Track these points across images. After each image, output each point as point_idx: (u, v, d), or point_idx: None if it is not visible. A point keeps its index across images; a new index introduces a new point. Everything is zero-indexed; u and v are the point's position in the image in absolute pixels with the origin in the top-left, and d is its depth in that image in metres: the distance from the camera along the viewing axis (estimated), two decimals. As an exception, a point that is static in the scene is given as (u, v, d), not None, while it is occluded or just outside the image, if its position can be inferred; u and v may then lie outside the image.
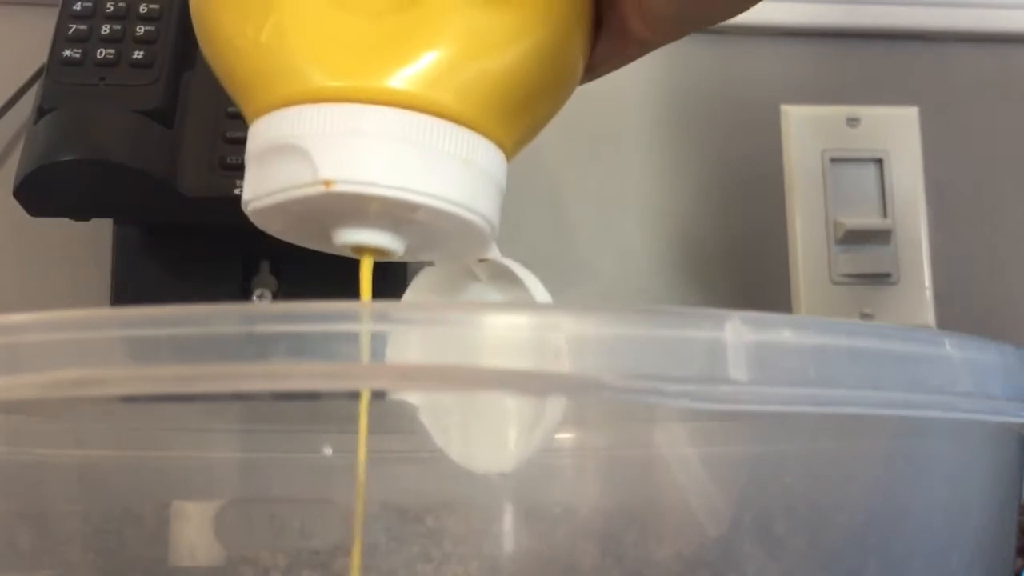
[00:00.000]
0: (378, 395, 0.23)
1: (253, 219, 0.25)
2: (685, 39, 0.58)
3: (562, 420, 0.23)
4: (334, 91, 0.23)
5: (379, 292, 0.45)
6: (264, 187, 0.24)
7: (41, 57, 0.42)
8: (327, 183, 0.23)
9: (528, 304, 0.25)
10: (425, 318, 0.18)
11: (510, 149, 0.25)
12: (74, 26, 0.40)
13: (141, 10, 0.41)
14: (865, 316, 0.55)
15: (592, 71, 0.28)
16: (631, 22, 0.25)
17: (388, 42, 0.23)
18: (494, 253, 0.28)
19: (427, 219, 0.24)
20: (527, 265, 0.29)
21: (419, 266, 0.48)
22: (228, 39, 0.24)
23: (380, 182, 0.23)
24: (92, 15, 0.41)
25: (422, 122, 0.23)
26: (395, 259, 0.26)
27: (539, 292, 0.27)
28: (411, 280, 0.45)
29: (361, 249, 0.25)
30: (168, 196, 0.39)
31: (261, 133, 0.24)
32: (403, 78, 0.23)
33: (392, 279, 0.45)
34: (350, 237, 0.25)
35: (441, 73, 0.23)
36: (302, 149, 0.23)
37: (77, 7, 0.41)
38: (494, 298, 0.28)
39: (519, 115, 0.25)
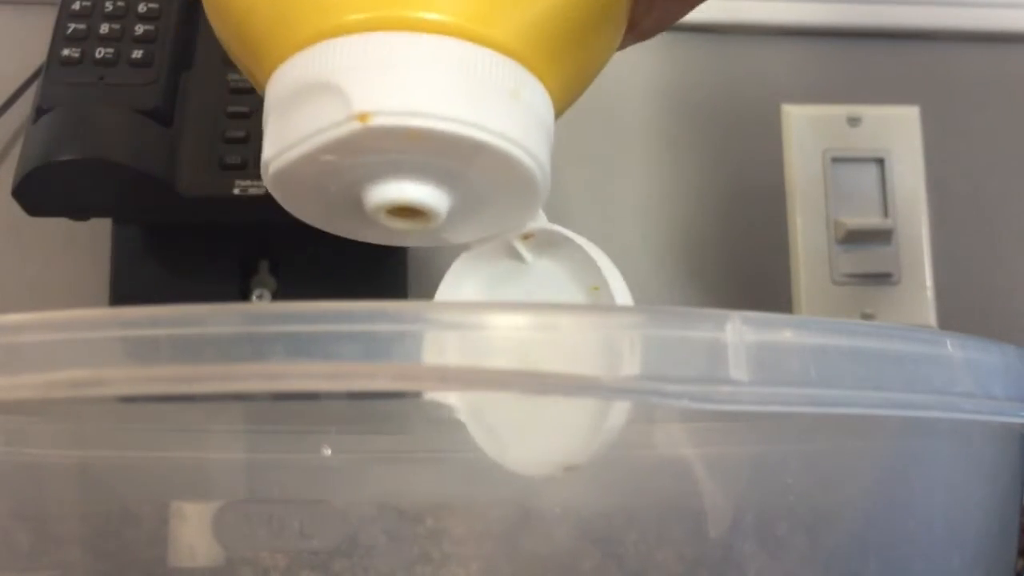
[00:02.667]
0: (413, 395, 0.22)
1: (274, 188, 0.22)
2: (685, 39, 0.58)
3: (630, 412, 0.21)
4: (365, 22, 0.21)
5: (378, 294, 0.45)
6: (288, 137, 0.21)
7: (40, 57, 0.42)
8: (363, 116, 0.20)
9: (528, 304, 0.25)
10: (425, 319, 0.18)
11: (556, 96, 0.23)
12: (73, 25, 0.40)
13: (140, 9, 0.41)
14: (866, 316, 0.55)
15: (635, 29, 0.26)
16: None
17: None
18: (540, 219, 0.25)
19: (471, 161, 0.21)
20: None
21: (420, 269, 0.48)
22: None
23: (423, 111, 0.20)
24: (91, 14, 0.41)
25: (466, 50, 0.21)
26: (434, 233, 0.23)
27: (599, 256, 0.25)
28: (410, 279, 0.44)
29: (399, 211, 0.22)
30: (167, 196, 0.39)
31: (281, 81, 0.21)
32: (441, 6, 0.21)
33: (391, 282, 0.45)
34: (384, 194, 0.22)
35: (483, 2, 0.21)
36: (332, 84, 0.20)
37: (76, 6, 0.41)
38: (551, 273, 0.25)
39: (563, 57, 0.23)
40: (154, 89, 0.39)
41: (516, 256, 0.26)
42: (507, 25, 0.21)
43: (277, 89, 0.22)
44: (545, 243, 0.25)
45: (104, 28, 0.40)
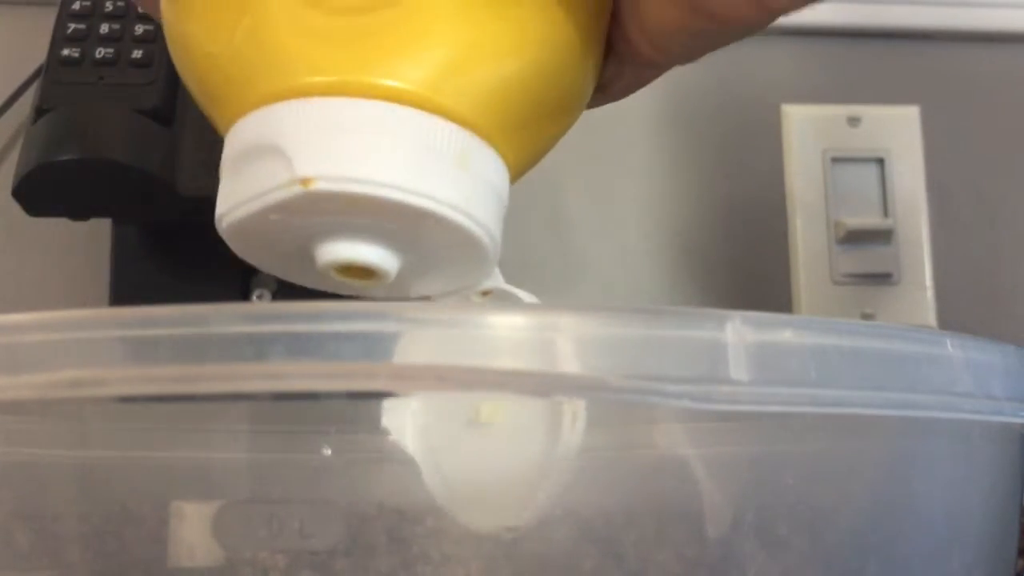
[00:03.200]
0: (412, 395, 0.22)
1: (228, 240, 0.23)
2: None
3: (575, 460, 0.22)
4: (313, 86, 0.21)
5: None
6: (236, 196, 0.21)
7: (40, 57, 0.42)
8: (304, 181, 0.20)
9: (528, 304, 0.25)
10: (424, 319, 0.18)
11: (512, 164, 0.23)
12: (73, 25, 0.40)
13: (140, 9, 0.41)
14: (866, 316, 0.55)
15: (605, 91, 0.26)
16: (637, 44, 0.24)
17: (371, 37, 0.21)
18: (496, 279, 0.25)
19: (417, 227, 0.22)
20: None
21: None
22: (201, 47, 0.23)
23: (363, 178, 0.20)
24: (91, 14, 0.41)
25: (412, 117, 0.21)
26: (386, 289, 0.23)
27: None
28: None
29: (348, 270, 0.22)
30: (167, 196, 0.39)
31: (235, 138, 0.22)
32: (390, 72, 0.21)
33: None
34: (333, 253, 0.22)
35: (433, 69, 0.21)
36: (278, 147, 0.21)
37: (76, 6, 0.41)
38: None
39: (519, 125, 0.23)
40: (154, 89, 0.39)
41: None
42: (460, 94, 0.22)
43: (232, 144, 0.22)
44: (501, 299, 0.25)
45: (104, 28, 0.40)
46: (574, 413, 0.18)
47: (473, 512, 0.23)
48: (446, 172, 0.21)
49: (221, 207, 0.22)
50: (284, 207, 0.21)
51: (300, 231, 0.22)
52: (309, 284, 0.24)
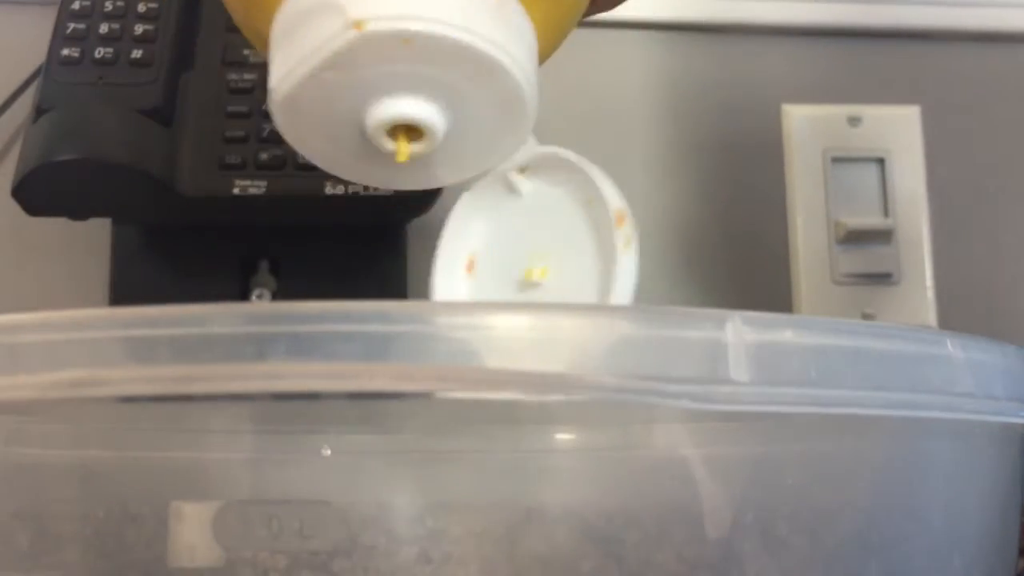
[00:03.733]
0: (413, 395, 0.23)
1: (280, 114, 0.23)
2: (686, 39, 0.58)
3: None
4: None
5: (378, 294, 0.44)
6: (291, 59, 0.22)
7: (40, 56, 0.42)
8: (358, 24, 0.21)
9: (528, 304, 0.25)
10: (424, 319, 0.18)
11: (538, 27, 0.24)
12: (72, 25, 0.40)
13: (140, 9, 0.41)
14: (866, 316, 0.55)
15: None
16: None
17: None
18: (531, 144, 0.26)
19: (464, 69, 0.23)
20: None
21: (420, 269, 0.48)
22: None
23: (414, 15, 0.22)
24: (91, 14, 0.41)
25: None
26: (431, 169, 0.24)
27: (590, 168, 0.26)
28: (410, 279, 0.44)
29: (398, 134, 0.23)
30: (167, 196, 0.39)
31: (284, 12, 0.23)
32: None
33: (391, 282, 0.45)
34: (387, 110, 0.23)
35: None
36: (328, 1, 0.22)
37: (76, 6, 0.41)
38: (549, 197, 0.27)
39: None
40: (154, 89, 0.39)
41: (513, 189, 0.27)
42: None
43: (280, 22, 0.23)
44: (539, 170, 0.27)
45: (104, 28, 0.40)
46: (631, 343, 0.18)
47: None
48: (488, 14, 0.22)
49: (274, 78, 0.23)
50: (340, 58, 0.22)
51: (351, 93, 0.23)
52: (353, 174, 0.25)
